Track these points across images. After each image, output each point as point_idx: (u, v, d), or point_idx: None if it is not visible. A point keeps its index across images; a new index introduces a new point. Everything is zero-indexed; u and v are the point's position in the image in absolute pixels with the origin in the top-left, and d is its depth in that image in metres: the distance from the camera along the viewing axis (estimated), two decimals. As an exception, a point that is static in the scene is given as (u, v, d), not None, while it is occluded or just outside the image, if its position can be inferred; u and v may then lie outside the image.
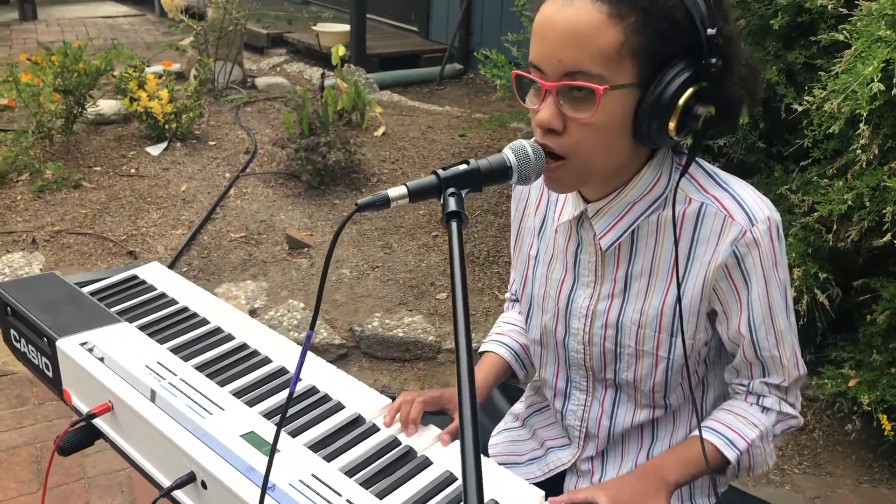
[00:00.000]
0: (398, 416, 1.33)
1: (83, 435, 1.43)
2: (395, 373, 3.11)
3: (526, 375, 1.56)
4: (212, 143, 4.62)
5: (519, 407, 1.63)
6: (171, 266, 3.52)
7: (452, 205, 1.02)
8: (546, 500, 1.20)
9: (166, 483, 1.26)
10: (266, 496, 1.12)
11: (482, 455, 1.17)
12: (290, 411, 1.33)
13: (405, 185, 1.05)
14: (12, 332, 1.61)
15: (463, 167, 1.08)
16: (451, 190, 1.05)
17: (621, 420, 1.36)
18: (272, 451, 1.08)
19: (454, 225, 0.99)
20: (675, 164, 1.22)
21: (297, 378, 1.07)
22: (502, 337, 1.56)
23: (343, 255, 3.65)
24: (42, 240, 3.72)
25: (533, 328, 1.43)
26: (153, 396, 1.33)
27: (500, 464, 1.51)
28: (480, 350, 1.56)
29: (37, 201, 4.00)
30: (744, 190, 1.20)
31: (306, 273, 3.53)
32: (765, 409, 1.29)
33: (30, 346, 1.57)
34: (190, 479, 1.21)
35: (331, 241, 1.05)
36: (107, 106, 4.78)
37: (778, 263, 1.20)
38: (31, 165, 4.19)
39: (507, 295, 1.62)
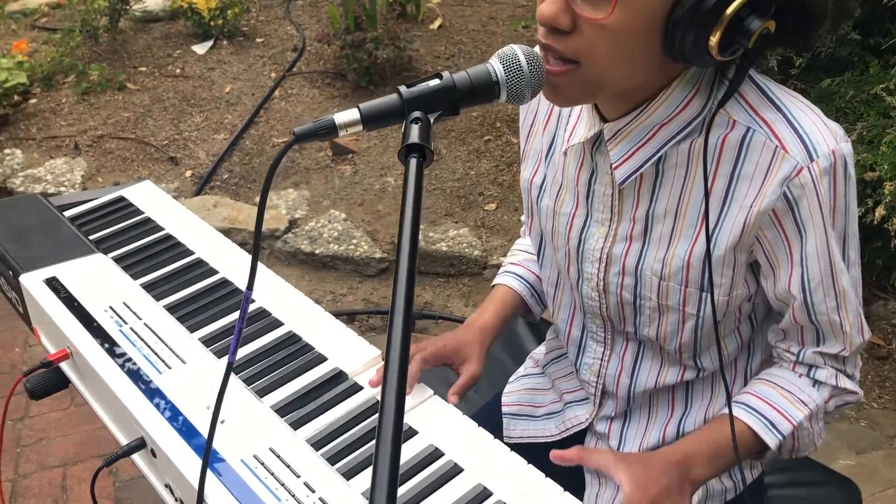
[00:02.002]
0: None
1: (54, 379, 1.30)
2: (438, 289, 2.94)
3: (542, 311, 1.35)
4: (259, 40, 4.40)
5: (540, 350, 1.42)
6: (212, 173, 3.39)
7: (414, 135, 0.79)
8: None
9: (124, 443, 1.12)
10: (211, 474, 0.96)
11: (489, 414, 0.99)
12: (262, 363, 1.16)
13: (357, 107, 0.83)
14: (-14, 261, 1.48)
15: (434, 83, 0.84)
16: (415, 114, 0.82)
17: (644, 379, 1.15)
18: (212, 426, 0.91)
19: (412, 163, 0.77)
20: (720, 77, 0.94)
21: (237, 340, 0.89)
22: (516, 268, 1.34)
23: (388, 161, 3.43)
24: (84, 145, 3.63)
25: (546, 266, 1.21)
26: (109, 345, 1.18)
27: (513, 415, 1.34)
28: (493, 284, 1.35)
29: (81, 104, 3.90)
30: (805, 113, 0.93)
31: (349, 181, 3.35)
32: (817, 384, 1.05)
33: (1, 279, 1.43)
34: (140, 445, 1.06)
35: (265, 178, 0.84)
36: (153, 2, 4.59)
37: (840, 209, 0.94)
38: (76, 67, 4.07)
39: (523, 217, 1.39)
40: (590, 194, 1.07)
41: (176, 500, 1.03)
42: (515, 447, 1.28)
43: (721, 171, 0.95)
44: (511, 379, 1.41)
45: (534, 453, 1.27)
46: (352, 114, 0.82)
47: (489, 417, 1.35)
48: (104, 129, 3.72)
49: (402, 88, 0.83)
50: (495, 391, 1.43)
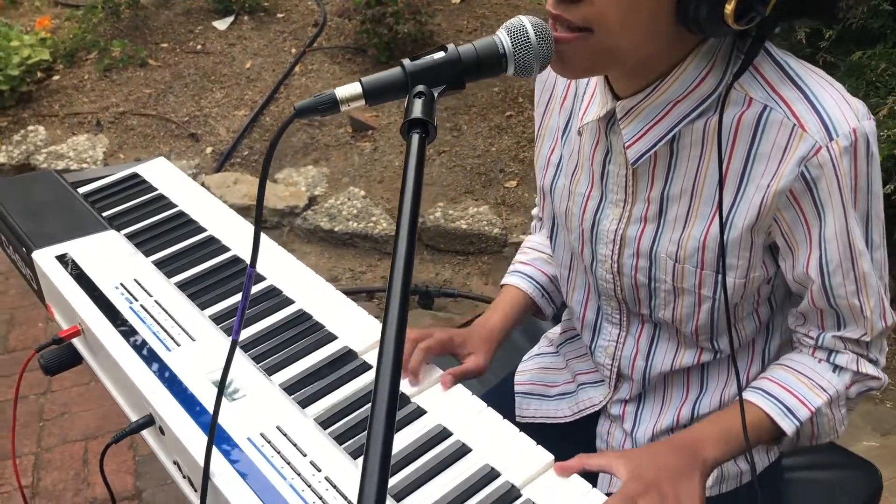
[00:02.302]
0: None
1: (67, 355, 1.31)
2: (457, 266, 2.92)
3: (554, 311, 1.33)
4: (280, 15, 4.37)
5: (555, 330, 1.40)
6: (233, 149, 3.39)
7: (417, 110, 0.77)
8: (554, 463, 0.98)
9: (134, 420, 1.12)
10: (217, 452, 0.96)
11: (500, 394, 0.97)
12: (272, 342, 1.16)
13: (360, 80, 0.81)
14: (2, 237, 1.48)
15: (438, 56, 0.82)
16: (419, 88, 0.80)
17: (659, 362, 1.12)
18: (217, 404, 0.90)
19: (415, 138, 0.75)
20: (736, 52, 0.91)
21: (240, 319, 0.88)
22: (526, 268, 1.31)
23: (408, 137, 3.40)
24: (106, 122, 3.64)
25: (559, 248, 1.18)
26: (119, 322, 1.18)
27: (526, 394, 1.33)
28: (502, 283, 1.33)
29: (103, 81, 3.91)
30: (825, 90, 0.89)
31: (369, 158, 3.33)
32: (837, 369, 1.02)
33: (17, 255, 1.44)
34: (148, 422, 1.06)
35: (266, 154, 0.82)
36: (174, -23, 4.58)
37: (862, 189, 0.91)
38: (98, 43, 4.08)
39: (535, 211, 1.36)
40: (604, 175, 1.04)
41: (184, 477, 1.03)
42: (528, 427, 1.28)
43: (737, 150, 0.92)
44: (525, 358, 1.40)
45: (546, 434, 1.26)
46: (353, 88, 0.80)
47: (502, 397, 1.34)
48: (126, 106, 3.73)
49: (406, 61, 0.81)
50: (508, 370, 1.42)
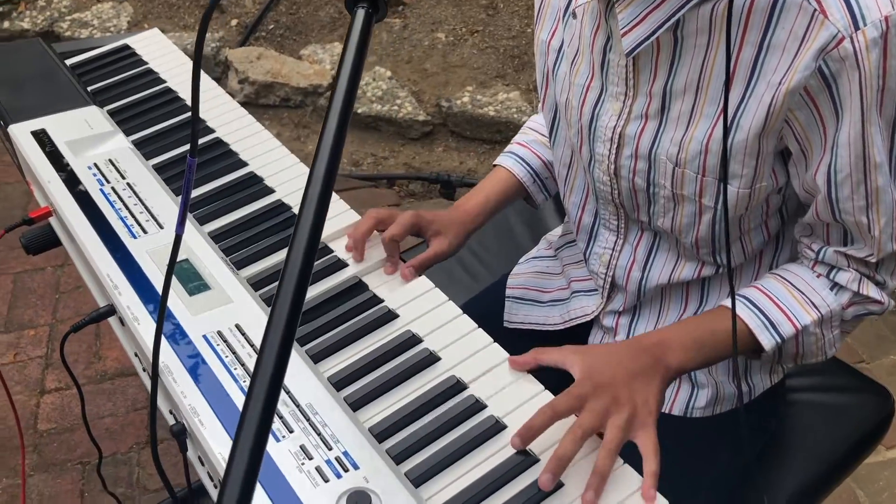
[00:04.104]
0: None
1: (48, 234, 1.27)
2: (483, 155, 2.81)
3: (546, 199, 1.23)
4: None
5: (555, 232, 1.32)
6: (258, 22, 3.26)
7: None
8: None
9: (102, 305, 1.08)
10: (169, 349, 0.91)
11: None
12: (245, 234, 1.09)
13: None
14: (-14, 109, 1.42)
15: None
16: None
17: (657, 274, 1.03)
18: (164, 293, 0.85)
19: (359, 14, 0.65)
20: None
21: (184, 209, 0.81)
22: (520, 149, 1.21)
23: (440, 14, 3.23)
24: (132, -11, 3.52)
25: (558, 143, 1.08)
26: (86, 205, 1.12)
27: (517, 298, 1.26)
28: (494, 163, 1.23)
29: (129, -55, 3.76)
30: None
31: (398, 36, 3.17)
32: (836, 287, 0.92)
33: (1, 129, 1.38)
34: (110, 311, 1.02)
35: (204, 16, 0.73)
36: None
37: (892, 91, 0.78)
38: None
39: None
40: (605, 63, 0.92)
41: (144, 370, 1.00)
42: (515, 332, 1.22)
43: (748, 39, 0.79)
44: (521, 260, 1.32)
45: (534, 341, 1.20)
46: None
47: (495, 298, 1.27)
48: (152, -27, 3.59)
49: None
50: (506, 271, 1.34)
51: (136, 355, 1.01)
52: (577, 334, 1.18)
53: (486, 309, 1.22)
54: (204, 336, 0.93)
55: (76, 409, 2.03)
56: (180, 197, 1.14)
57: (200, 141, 1.26)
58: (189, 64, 1.45)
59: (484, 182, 1.19)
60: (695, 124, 0.86)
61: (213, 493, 0.87)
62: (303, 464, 0.80)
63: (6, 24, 3.33)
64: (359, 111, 2.86)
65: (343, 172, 2.68)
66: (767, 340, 0.91)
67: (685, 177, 0.89)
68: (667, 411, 1.08)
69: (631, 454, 0.82)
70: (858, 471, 1.29)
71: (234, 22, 3.31)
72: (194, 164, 0.79)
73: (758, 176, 0.87)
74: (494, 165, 1.22)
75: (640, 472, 0.80)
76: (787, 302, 0.91)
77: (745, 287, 0.96)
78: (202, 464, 0.88)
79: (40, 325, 2.24)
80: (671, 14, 0.81)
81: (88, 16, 3.34)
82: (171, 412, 0.94)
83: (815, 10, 0.75)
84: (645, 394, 0.83)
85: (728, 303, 0.92)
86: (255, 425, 0.50)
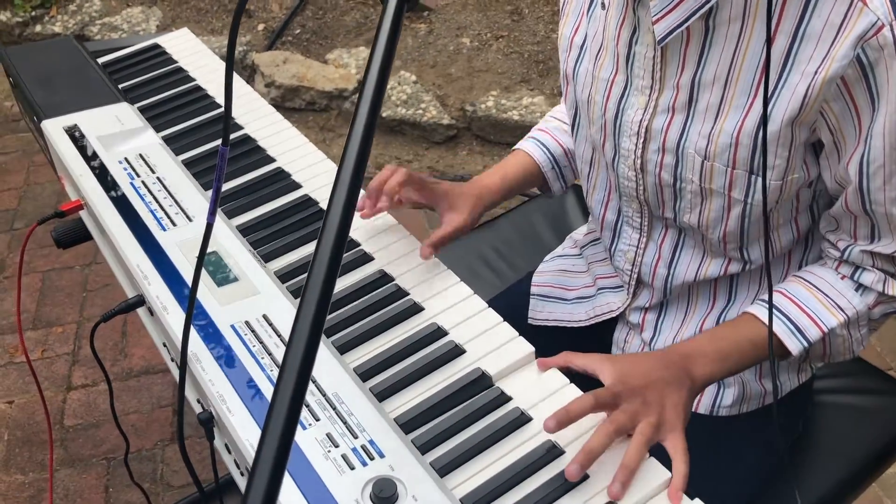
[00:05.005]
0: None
1: (78, 227, 1.29)
2: (506, 159, 2.81)
3: (563, 189, 1.23)
4: None
5: (581, 230, 1.31)
6: (284, 27, 3.29)
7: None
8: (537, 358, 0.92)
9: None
10: (198, 338, 0.92)
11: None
12: (273, 228, 1.10)
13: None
14: (21, 105, 1.45)
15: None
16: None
17: (682, 270, 1.03)
18: (193, 290, 0.86)
19: (391, 3, 0.66)
20: None
21: (215, 198, 0.82)
22: (541, 134, 1.21)
23: (465, 20, 3.24)
24: (161, -6, 3.57)
25: (580, 141, 1.08)
26: (118, 198, 1.14)
27: (543, 296, 1.25)
28: (513, 147, 1.23)
29: (159, -49, 3.81)
30: None
31: (423, 41, 3.19)
32: (861, 288, 0.91)
33: (32, 125, 1.41)
34: (139, 302, 1.03)
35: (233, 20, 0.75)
36: None
37: None
38: (155, -89, 3.96)
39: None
40: (630, 56, 0.92)
41: (172, 360, 1.01)
42: (539, 329, 1.22)
43: (782, 28, 0.79)
44: (546, 258, 1.32)
45: (559, 337, 1.19)
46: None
47: (520, 297, 1.27)
48: (181, -22, 3.64)
49: None
50: (530, 269, 1.34)
51: (164, 345, 1.02)
52: (602, 330, 1.18)
53: (510, 306, 1.21)
54: (232, 326, 0.94)
55: (102, 405, 2.05)
56: (209, 190, 1.15)
57: (231, 136, 1.27)
58: (218, 62, 1.47)
59: (502, 162, 1.19)
60: (724, 116, 0.86)
61: (240, 481, 0.88)
62: (329, 451, 0.80)
63: (38, 28, 3.39)
64: (384, 115, 2.87)
65: (368, 175, 2.70)
66: (794, 346, 0.91)
67: (714, 170, 0.89)
68: (693, 409, 1.08)
69: (657, 453, 0.82)
70: (887, 479, 1.28)
71: (260, 27, 3.34)
72: (226, 153, 0.81)
73: (790, 167, 0.86)
74: (513, 150, 1.22)
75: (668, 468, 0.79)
76: (812, 306, 0.91)
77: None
78: (229, 451, 0.89)
79: (68, 322, 2.26)
80: (704, 2, 0.81)
81: (118, 20, 3.39)
82: (198, 401, 0.95)
83: None
84: (674, 402, 0.84)
85: (752, 308, 0.93)
86: (283, 415, 0.51)
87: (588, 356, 0.88)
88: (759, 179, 0.86)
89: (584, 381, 0.91)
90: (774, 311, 0.92)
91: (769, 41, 0.77)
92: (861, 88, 0.78)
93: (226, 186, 1.18)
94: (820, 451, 1.15)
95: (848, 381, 1.24)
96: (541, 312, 1.23)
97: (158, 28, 3.37)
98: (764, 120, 0.81)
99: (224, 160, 0.81)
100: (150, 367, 2.12)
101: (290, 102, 2.99)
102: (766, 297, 0.93)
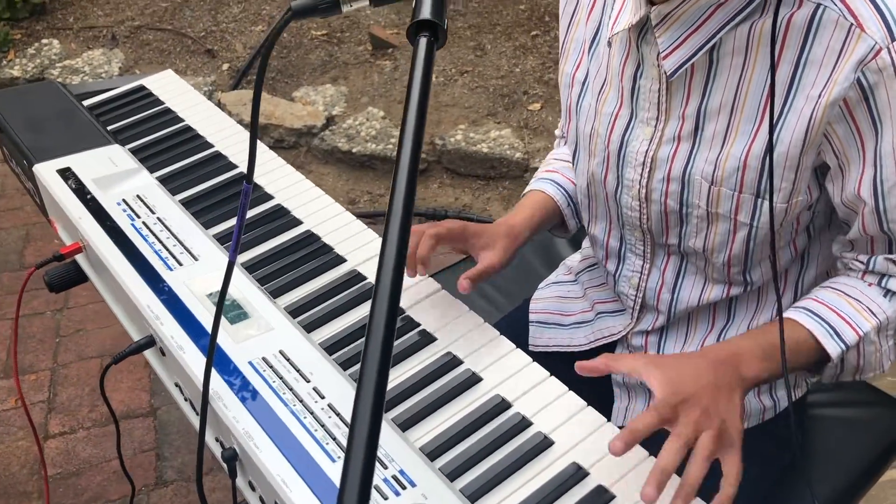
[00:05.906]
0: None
1: (71, 271, 1.28)
2: (477, 191, 2.85)
3: (577, 226, 1.26)
4: (300, -73, 4.21)
5: (574, 258, 1.34)
6: (249, 66, 3.30)
7: (426, 10, 0.69)
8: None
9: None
10: (218, 376, 0.92)
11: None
12: (278, 263, 1.11)
13: (365, -22, 0.73)
14: (4, 150, 1.44)
15: (453, -47, 0.74)
16: (431, -14, 0.72)
17: (686, 295, 1.06)
18: (215, 325, 0.86)
19: (422, 43, 0.68)
20: None
21: (237, 238, 0.83)
22: (553, 174, 1.24)
23: (430, 56, 3.29)
24: (122, 36, 3.56)
25: (580, 175, 1.11)
26: (120, 240, 1.13)
27: (541, 323, 1.28)
28: (526, 190, 1.26)
29: (118, -7, 3.80)
30: None
31: (389, 77, 3.23)
32: (889, 294, 0.94)
33: (19, 169, 1.40)
34: (149, 342, 1.03)
35: (261, 60, 0.76)
36: None
37: None
38: (113, -46, 3.96)
39: (557, 131, 1.28)
40: (635, 91, 0.96)
41: (185, 399, 1.00)
42: (540, 356, 1.23)
43: (785, 56, 0.83)
44: (541, 285, 1.34)
45: (558, 364, 1.21)
46: (358, -14, 0.73)
47: (515, 325, 1.29)
48: (141, 20, 3.64)
49: (416, -44, 0.73)
50: (525, 297, 1.37)
51: (176, 385, 1.01)
52: (600, 353, 1.20)
53: (508, 334, 1.23)
54: (250, 363, 0.95)
55: (81, 453, 2.00)
56: (210, 229, 1.16)
57: (225, 175, 1.28)
58: (206, 102, 1.48)
59: (523, 202, 1.20)
60: (731, 142, 0.90)
61: (266, 518, 0.87)
62: (360, 483, 0.81)
63: (-3, 72, 3.35)
64: (354, 150, 2.89)
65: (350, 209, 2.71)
66: (833, 348, 0.92)
67: (721, 195, 0.92)
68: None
69: (652, 444, 0.83)
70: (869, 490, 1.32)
71: (225, 66, 3.35)
72: (249, 190, 0.82)
73: (795, 190, 0.90)
74: (527, 191, 1.24)
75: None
76: (846, 310, 0.93)
77: (799, 300, 0.98)
78: (253, 489, 0.88)
79: (41, 369, 2.21)
80: (711, 36, 0.85)
81: (80, 62, 3.36)
82: (216, 440, 0.94)
83: (852, 24, 0.80)
84: (729, 408, 0.83)
85: (790, 313, 0.93)
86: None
87: (630, 359, 0.87)
88: (765, 203, 0.90)
89: (586, 389, 0.93)
90: (811, 316, 0.93)
91: (773, 68, 0.81)
92: (862, 111, 0.83)
93: (227, 225, 1.18)
94: (820, 463, 1.18)
95: (840, 394, 1.28)
96: (540, 338, 1.25)
97: (121, 70, 3.35)
98: (770, 143, 0.85)
99: (247, 197, 0.82)
100: (129, 411, 2.08)
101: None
102: (799, 303, 0.95)
